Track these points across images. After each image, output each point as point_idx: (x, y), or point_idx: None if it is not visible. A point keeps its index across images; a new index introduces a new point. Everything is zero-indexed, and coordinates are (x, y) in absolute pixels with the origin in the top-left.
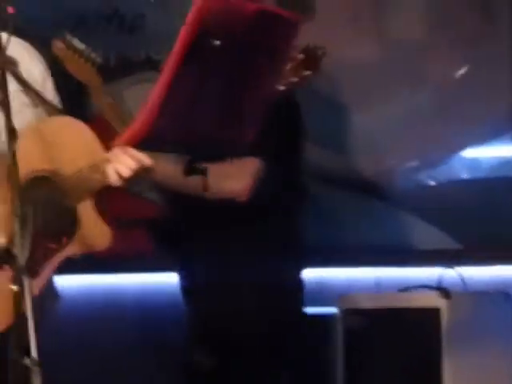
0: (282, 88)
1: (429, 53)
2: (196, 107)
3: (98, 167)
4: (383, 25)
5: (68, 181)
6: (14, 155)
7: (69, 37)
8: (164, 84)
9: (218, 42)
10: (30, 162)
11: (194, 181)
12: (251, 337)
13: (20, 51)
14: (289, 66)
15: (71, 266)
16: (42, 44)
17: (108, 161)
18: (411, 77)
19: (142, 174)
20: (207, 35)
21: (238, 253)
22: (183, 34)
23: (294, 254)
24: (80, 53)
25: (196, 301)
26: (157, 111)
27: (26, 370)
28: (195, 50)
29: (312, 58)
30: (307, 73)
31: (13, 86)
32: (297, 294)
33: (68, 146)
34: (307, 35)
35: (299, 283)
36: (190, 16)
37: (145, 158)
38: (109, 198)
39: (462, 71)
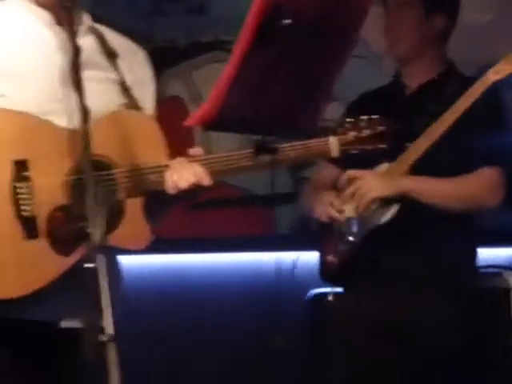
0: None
1: None
2: (266, 88)
3: (157, 170)
4: None
5: (125, 173)
6: (87, 134)
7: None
8: (233, 64)
9: (288, 21)
10: (93, 144)
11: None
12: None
13: (132, 49)
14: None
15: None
16: (117, 29)
17: (168, 167)
18: None
19: (198, 190)
20: (277, 14)
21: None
22: (253, 12)
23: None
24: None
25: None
26: (226, 91)
27: (101, 348)
28: (265, 29)
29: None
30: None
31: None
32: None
33: (134, 141)
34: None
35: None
36: None
37: (205, 178)
38: None
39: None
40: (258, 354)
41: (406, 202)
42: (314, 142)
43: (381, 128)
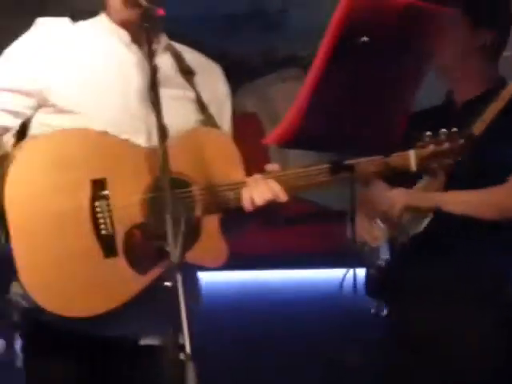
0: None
1: None
2: (344, 105)
3: (234, 187)
4: None
5: (202, 191)
6: (165, 153)
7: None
8: (311, 82)
9: (365, 39)
10: (171, 162)
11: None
12: None
13: (209, 67)
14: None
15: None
16: (193, 46)
17: (245, 184)
18: None
19: (275, 206)
20: (355, 32)
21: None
22: (330, 31)
23: None
24: None
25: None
26: (305, 110)
27: (181, 366)
28: (342, 47)
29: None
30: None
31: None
32: None
33: (211, 158)
34: None
35: None
36: (337, 12)
37: (282, 194)
38: None
39: None
40: (337, 369)
41: (440, 214)
42: (393, 157)
43: (461, 141)
